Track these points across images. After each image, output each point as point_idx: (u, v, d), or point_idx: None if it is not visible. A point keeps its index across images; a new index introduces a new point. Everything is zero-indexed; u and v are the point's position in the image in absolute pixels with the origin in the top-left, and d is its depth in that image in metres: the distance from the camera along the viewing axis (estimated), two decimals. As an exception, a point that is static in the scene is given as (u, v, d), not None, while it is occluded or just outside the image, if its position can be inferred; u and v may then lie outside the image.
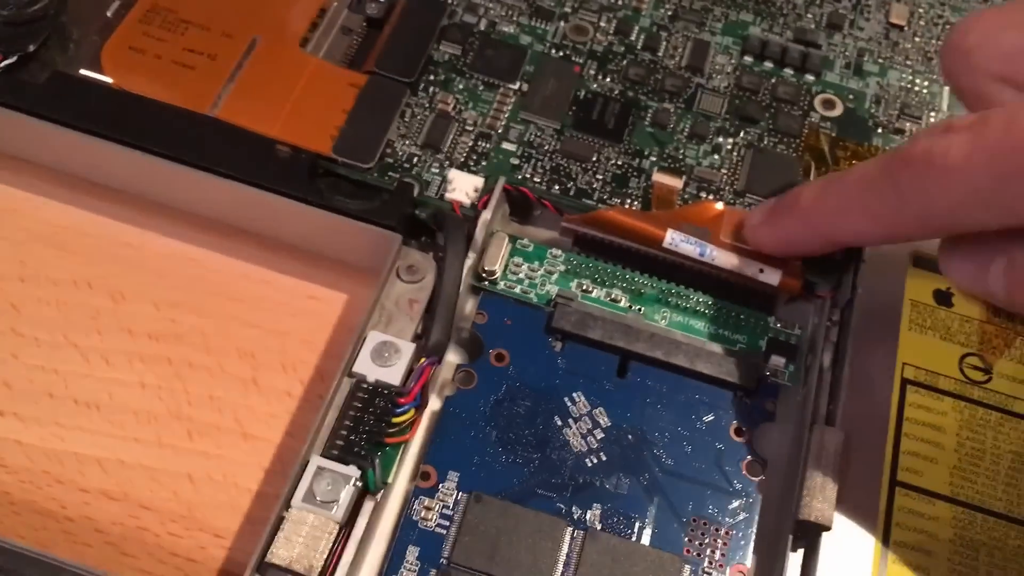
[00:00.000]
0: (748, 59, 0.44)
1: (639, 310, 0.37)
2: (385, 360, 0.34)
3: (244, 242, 0.39)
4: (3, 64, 0.39)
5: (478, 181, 0.39)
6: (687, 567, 0.32)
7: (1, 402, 0.35)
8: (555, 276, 0.37)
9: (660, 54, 0.44)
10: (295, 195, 0.37)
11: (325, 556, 0.30)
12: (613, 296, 0.37)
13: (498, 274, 0.37)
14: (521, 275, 0.37)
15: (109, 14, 0.41)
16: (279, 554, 0.30)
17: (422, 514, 0.32)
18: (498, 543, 0.32)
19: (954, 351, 0.36)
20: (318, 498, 0.31)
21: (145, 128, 0.38)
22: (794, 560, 0.33)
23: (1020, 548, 0.33)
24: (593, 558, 0.32)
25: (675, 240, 0.37)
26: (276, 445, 0.35)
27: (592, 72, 0.43)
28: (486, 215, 0.37)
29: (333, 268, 0.39)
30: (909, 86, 0.44)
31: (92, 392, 0.35)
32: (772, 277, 0.37)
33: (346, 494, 0.31)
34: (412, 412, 0.33)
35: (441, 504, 0.33)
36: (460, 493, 0.33)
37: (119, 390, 0.35)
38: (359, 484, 0.31)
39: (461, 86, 0.41)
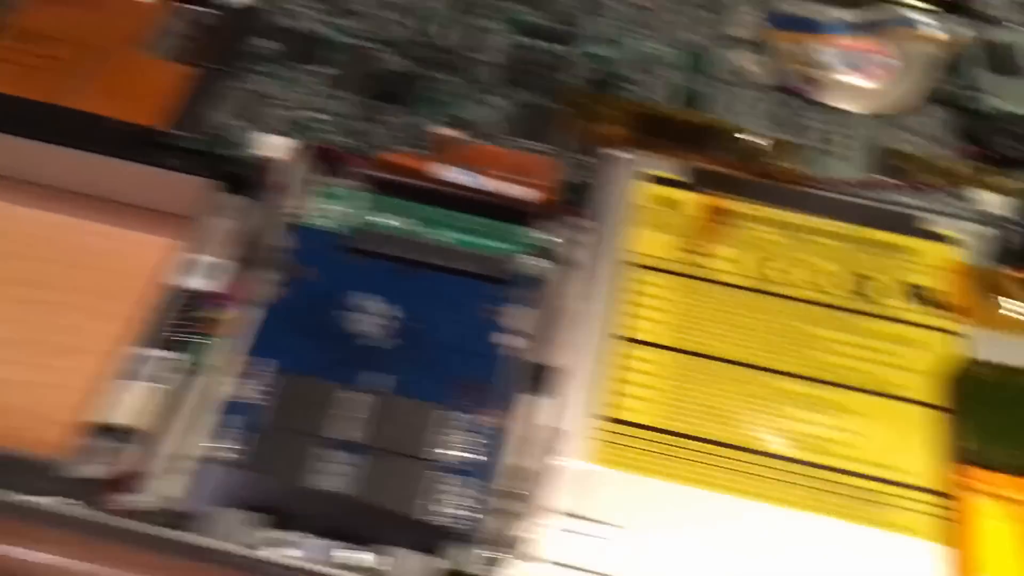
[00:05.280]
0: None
1: (426, 231, 0.46)
2: (211, 275, 0.42)
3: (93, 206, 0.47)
4: None
5: (293, 143, 0.48)
6: (454, 413, 0.40)
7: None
8: (358, 210, 0.46)
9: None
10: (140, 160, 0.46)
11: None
12: (404, 222, 0.46)
13: (311, 210, 0.46)
14: (329, 212, 0.46)
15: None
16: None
17: (246, 391, 0.40)
18: (308, 408, 0.40)
19: (677, 242, 0.46)
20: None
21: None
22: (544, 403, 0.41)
23: (725, 375, 0.42)
24: (383, 413, 0.40)
25: (452, 174, 0.46)
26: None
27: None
28: (300, 167, 0.46)
29: (170, 221, 0.47)
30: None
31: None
32: (530, 195, 0.46)
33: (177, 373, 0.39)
34: (229, 312, 0.41)
35: (262, 381, 0.41)
36: (278, 373, 0.41)
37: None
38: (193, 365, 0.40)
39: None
